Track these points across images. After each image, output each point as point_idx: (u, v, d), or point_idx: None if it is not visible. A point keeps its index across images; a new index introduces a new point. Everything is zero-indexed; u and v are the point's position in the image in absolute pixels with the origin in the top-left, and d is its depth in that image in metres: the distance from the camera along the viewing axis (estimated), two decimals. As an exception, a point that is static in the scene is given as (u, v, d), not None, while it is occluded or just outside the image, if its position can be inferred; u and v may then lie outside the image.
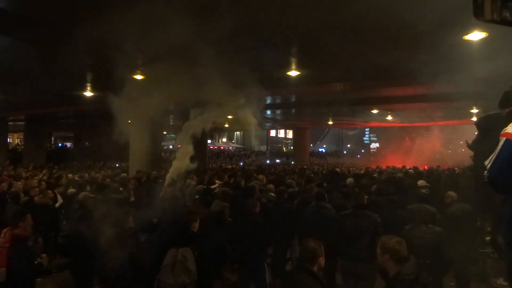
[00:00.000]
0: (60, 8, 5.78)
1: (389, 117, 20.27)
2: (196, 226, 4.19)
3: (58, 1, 5.56)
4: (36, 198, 6.68)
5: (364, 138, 56.12)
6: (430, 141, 23.81)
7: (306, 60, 8.56)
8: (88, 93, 13.01)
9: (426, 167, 17.53)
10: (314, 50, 7.69)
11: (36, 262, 4.17)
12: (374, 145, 52.99)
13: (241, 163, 25.86)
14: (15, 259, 3.93)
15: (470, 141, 5.28)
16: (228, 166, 21.16)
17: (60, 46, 7.78)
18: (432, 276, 3.80)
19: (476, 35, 6.60)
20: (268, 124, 31.71)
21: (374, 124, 27.94)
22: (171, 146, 43.00)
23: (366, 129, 52.31)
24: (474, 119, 15.94)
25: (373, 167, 18.74)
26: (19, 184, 8.26)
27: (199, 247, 3.93)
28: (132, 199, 7.89)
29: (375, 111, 18.01)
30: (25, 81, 11.70)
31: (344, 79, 10.49)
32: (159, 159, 16.39)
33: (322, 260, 2.99)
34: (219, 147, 47.64)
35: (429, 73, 9.20)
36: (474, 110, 16.08)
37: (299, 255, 3.12)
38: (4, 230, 4.09)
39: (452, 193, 5.80)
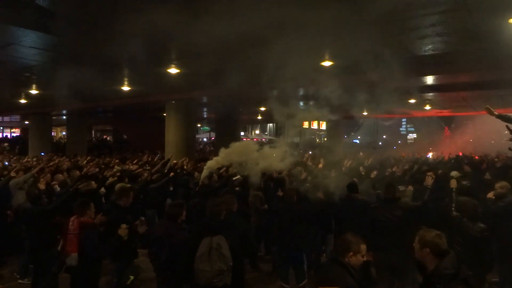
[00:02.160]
0: (99, 7, 5.97)
1: (428, 107, 19.52)
2: (224, 215, 4.37)
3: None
4: (81, 187, 7.01)
5: (401, 129, 54.44)
6: (471, 131, 22.73)
7: (339, 50, 8.38)
8: (126, 88, 13.41)
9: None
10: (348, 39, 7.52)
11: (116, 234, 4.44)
12: (412, 136, 51.30)
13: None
14: (84, 245, 4.25)
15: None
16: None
17: (98, 43, 8.07)
18: (472, 271, 3.68)
19: (523, 18, 6.20)
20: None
21: (412, 114, 27.02)
22: (205, 139, 43.67)
23: (403, 120, 50.69)
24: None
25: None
26: (60, 177, 8.63)
27: (230, 234, 4.05)
28: (171, 188, 8.14)
29: (412, 101, 17.39)
30: (66, 77, 12.22)
31: (378, 68, 10.18)
32: (194, 151, 16.71)
33: (356, 257, 2.93)
34: (252, 139, 47.83)
35: (472, 59, 8.78)
36: (520, 98, 15.20)
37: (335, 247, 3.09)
38: (72, 218, 4.41)
39: (505, 183, 5.38)
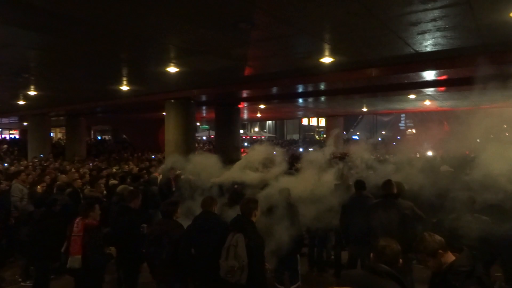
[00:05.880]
0: (97, 6, 5.92)
1: (427, 102, 19.51)
2: (257, 214, 4.31)
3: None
4: (86, 191, 7.01)
5: (400, 124, 54.55)
6: (472, 127, 22.65)
7: (340, 46, 8.35)
8: (124, 87, 13.35)
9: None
10: (349, 34, 7.49)
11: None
12: (411, 131, 51.39)
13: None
14: (88, 247, 4.25)
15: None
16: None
17: (96, 43, 8.02)
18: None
19: (524, 12, 6.16)
20: (300, 113, 31.46)
21: (411, 110, 27.03)
22: (204, 137, 43.65)
23: (402, 115, 50.80)
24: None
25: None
26: (63, 177, 8.65)
27: (249, 234, 4.08)
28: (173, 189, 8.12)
29: (412, 96, 17.39)
30: (64, 78, 12.18)
31: (379, 64, 10.17)
32: (193, 150, 16.66)
33: (401, 263, 2.76)
34: (251, 137, 47.82)
35: (471, 54, 8.75)
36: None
37: (373, 255, 2.76)
38: (77, 220, 4.42)
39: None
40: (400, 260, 2.71)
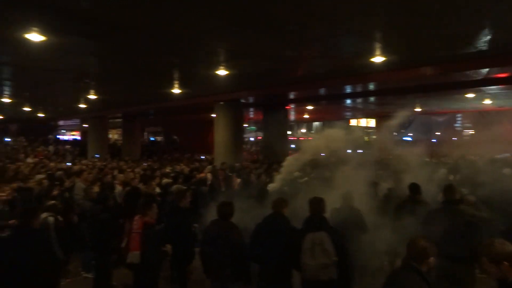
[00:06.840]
0: (149, 14, 6.21)
1: (487, 101, 18.26)
2: (325, 211, 4.46)
3: (146, 7, 5.95)
4: (142, 188, 7.39)
5: (456, 125, 51.53)
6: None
7: (393, 45, 8.08)
8: (176, 90, 13.82)
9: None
10: (402, 33, 7.23)
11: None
12: (468, 132, 48.34)
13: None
14: (146, 244, 4.44)
15: None
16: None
17: (149, 49, 8.39)
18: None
19: None
20: (348, 113, 30.75)
21: (469, 110, 25.47)
22: (252, 138, 44.03)
23: (458, 115, 47.92)
24: None
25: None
26: (121, 176, 9.12)
27: (332, 230, 4.17)
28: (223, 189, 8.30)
29: (470, 95, 16.38)
30: (121, 82, 12.86)
31: (434, 62, 9.70)
32: (242, 151, 16.88)
33: (432, 260, 2.76)
34: (298, 138, 47.48)
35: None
36: None
37: (406, 252, 2.87)
38: (136, 218, 4.66)
39: None
40: (431, 258, 2.75)
